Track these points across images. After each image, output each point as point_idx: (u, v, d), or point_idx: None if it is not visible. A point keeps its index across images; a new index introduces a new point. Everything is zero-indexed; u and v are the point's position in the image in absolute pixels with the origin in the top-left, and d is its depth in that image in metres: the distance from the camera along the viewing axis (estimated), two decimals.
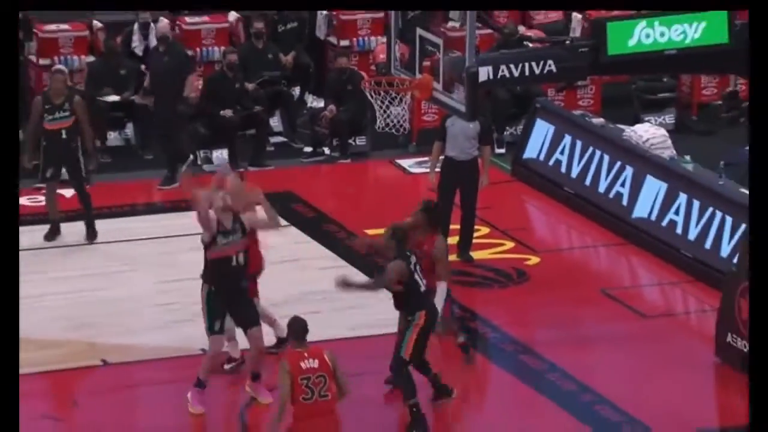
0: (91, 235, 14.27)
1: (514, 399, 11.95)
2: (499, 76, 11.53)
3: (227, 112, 16.43)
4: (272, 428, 9.73)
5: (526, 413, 11.70)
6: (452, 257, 14.05)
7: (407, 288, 11.13)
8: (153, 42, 17.15)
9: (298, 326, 9.82)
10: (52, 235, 14.33)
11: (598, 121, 16.15)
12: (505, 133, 17.12)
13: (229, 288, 11.13)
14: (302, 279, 13.54)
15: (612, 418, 11.50)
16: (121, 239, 14.38)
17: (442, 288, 11.76)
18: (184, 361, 11.96)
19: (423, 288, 11.27)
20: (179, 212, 14.59)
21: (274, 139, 17.17)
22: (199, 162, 16.48)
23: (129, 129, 16.90)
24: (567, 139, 15.83)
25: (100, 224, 14.48)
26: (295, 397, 9.58)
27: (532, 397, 11.89)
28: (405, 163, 16.53)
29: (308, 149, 16.98)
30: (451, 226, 14.04)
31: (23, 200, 14.99)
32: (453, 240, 14.14)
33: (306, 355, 9.65)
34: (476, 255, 14.22)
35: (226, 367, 11.72)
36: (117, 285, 13.40)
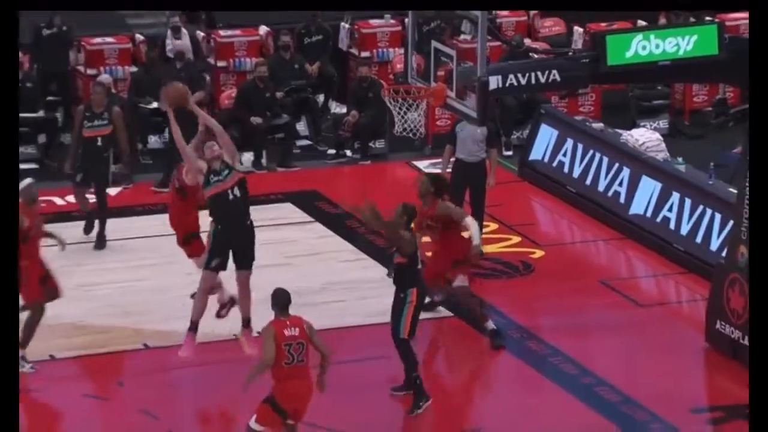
0: (101, 243, 14.02)
1: (519, 381, 11.93)
2: (507, 85, 11.51)
3: (257, 119, 16.47)
4: (249, 380, 9.81)
5: (530, 394, 11.65)
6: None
7: (408, 263, 11.09)
8: (186, 42, 17.22)
9: (282, 297, 9.96)
10: (89, 228, 14.15)
11: (598, 125, 16.12)
12: (512, 136, 17.11)
13: (234, 222, 11.08)
14: (325, 270, 13.53)
15: (611, 398, 11.47)
16: (161, 234, 14.37)
17: (471, 221, 12.08)
18: (217, 345, 11.97)
19: (419, 266, 11.24)
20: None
21: (300, 143, 17.17)
22: None
23: (168, 133, 16.90)
24: (569, 143, 15.81)
25: (142, 220, 14.51)
26: (277, 361, 9.75)
27: (537, 380, 11.86)
28: (420, 164, 16.51)
29: (332, 152, 16.97)
30: None
31: (71, 198, 14.97)
32: (464, 235, 14.19)
33: (288, 323, 9.84)
34: (486, 249, 14.08)
35: (222, 312, 11.64)
36: (157, 276, 13.41)
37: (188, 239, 11.96)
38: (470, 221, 12.15)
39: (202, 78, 16.65)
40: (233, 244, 11.23)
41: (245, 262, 11.31)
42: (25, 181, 11.67)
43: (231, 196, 11.18)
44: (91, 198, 14.36)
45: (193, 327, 11.29)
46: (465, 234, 12.15)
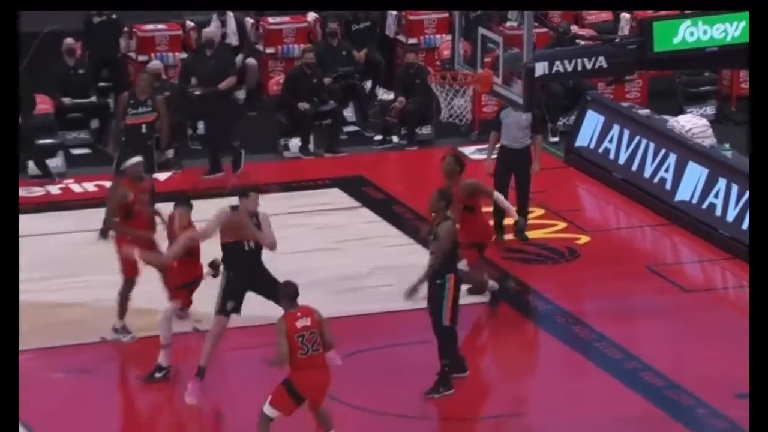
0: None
1: (564, 366, 11.90)
2: (554, 71, 11.48)
3: (304, 105, 16.50)
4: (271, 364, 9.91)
5: (575, 379, 11.64)
6: (509, 236, 14.08)
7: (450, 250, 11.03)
8: (231, 26, 17.26)
9: (290, 290, 10.00)
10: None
11: (645, 112, 16.04)
12: (558, 123, 17.05)
13: (247, 270, 10.97)
14: (372, 255, 13.52)
15: (656, 383, 11.44)
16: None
17: (500, 196, 12.41)
18: (268, 328, 11.93)
19: (457, 251, 11.21)
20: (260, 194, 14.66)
21: (347, 128, 17.18)
22: (280, 148, 16.60)
23: (206, 124, 16.82)
24: (615, 129, 15.73)
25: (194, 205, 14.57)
26: (292, 353, 9.77)
27: (582, 364, 11.85)
28: (467, 150, 16.40)
29: (378, 137, 16.95)
30: None
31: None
32: (510, 221, 14.04)
33: (299, 314, 9.86)
34: (531, 234, 14.19)
35: (157, 375, 11.26)
36: (209, 259, 13.30)
37: (188, 285, 11.63)
38: (499, 195, 12.19)
39: (233, 66, 16.57)
40: (248, 289, 11.09)
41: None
42: (133, 159, 12.17)
43: (246, 247, 11.02)
44: (157, 178, 14.26)
45: (200, 373, 11.01)
46: (488, 210, 12.17)
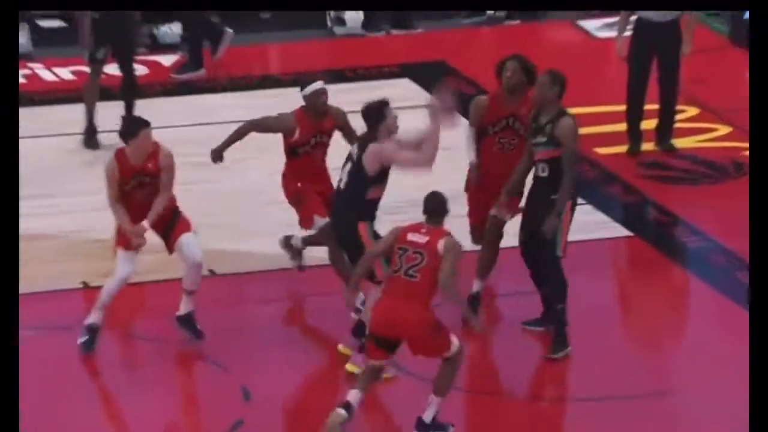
0: None
1: (724, 324, 11.89)
2: None
3: None
4: (350, 288, 10.57)
5: (738, 342, 11.23)
6: (649, 146, 14.24)
7: (569, 157, 11.07)
8: None
9: (433, 202, 10.44)
10: (91, 138, 14.24)
11: None
12: None
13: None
14: (456, 171, 13.26)
15: None
16: (233, 120, 14.30)
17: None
18: (297, 273, 12.07)
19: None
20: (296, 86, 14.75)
21: None
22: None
23: None
24: None
25: (213, 99, 14.67)
26: (390, 266, 10.30)
27: (746, 321, 11.68)
28: (590, 25, 16.51)
29: None
30: (647, 106, 14.07)
31: (108, 69, 14.92)
32: (650, 124, 14.17)
33: (423, 230, 10.27)
34: (679, 143, 14.29)
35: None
36: (230, 176, 13.41)
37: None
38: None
39: None
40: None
41: None
42: (314, 85, 11.68)
43: None
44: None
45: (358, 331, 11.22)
46: None
